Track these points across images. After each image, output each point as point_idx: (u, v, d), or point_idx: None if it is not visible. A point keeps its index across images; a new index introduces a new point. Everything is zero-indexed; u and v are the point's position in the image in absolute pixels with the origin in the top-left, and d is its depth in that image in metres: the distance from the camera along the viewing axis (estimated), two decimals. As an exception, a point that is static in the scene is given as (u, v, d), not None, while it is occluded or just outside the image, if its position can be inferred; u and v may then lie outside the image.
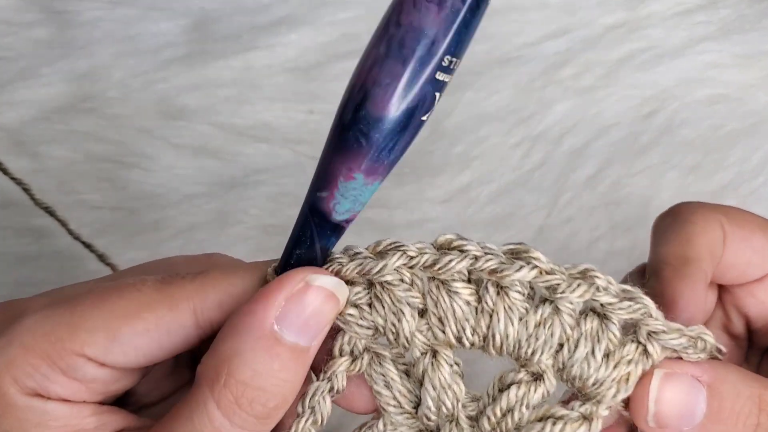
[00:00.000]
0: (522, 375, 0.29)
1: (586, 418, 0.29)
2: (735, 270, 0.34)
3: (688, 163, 0.53)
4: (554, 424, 0.28)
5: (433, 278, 0.29)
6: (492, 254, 0.28)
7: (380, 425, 0.30)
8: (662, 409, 0.29)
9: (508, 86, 0.55)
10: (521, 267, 0.28)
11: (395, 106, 0.26)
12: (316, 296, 0.28)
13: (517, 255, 0.28)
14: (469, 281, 0.29)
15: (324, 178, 0.28)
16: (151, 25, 0.55)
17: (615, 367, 0.29)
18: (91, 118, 0.53)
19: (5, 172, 0.49)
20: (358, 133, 0.27)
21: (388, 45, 0.26)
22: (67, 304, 0.29)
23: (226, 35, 0.55)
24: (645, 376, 0.29)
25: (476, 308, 0.29)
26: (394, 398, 0.30)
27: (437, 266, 0.28)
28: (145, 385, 0.33)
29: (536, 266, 0.28)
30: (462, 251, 0.28)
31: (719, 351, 0.30)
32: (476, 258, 0.28)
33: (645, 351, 0.29)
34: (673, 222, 0.34)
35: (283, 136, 0.53)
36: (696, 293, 0.32)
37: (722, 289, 0.36)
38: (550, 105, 0.55)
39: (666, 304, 0.31)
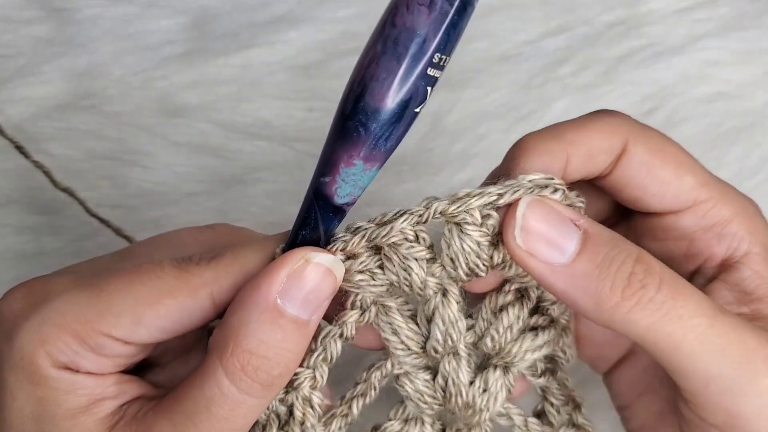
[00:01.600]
0: (509, 297, 0.34)
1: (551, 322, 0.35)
2: (629, 192, 0.35)
3: (688, 160, 0.53)
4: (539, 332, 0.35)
5: (447, 222, 0.32)
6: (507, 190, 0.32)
7: (388, 365, 0.34)
8: (529, 224, 0.31)
9: (507, 83, 0.55)
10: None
11: (391, 99, 0.29)
12: (315, 273, 0.31)
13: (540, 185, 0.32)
14: (481, 225, 0.32)
15: (327, 164, 0.31)
16: (150, 22, 0.55)
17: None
18: (90, 115, 0.53)
19: (26, 155, 0.50)
20: (358, 123, 0.30)
21: (384, 43, 0.29)
22: (93, 288, 0.32)
23: (226, 33, 0.55)
24: (511, 207, 0.32)
25: (489, 242, 0.32)
26: (402, 342, 0.33)
27: (452, 208, 0.32)
28: (157, 352, 0.36)
29: (558, 188, 0.32)
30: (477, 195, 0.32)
31: (581, 202, 0.33)
32: (499, 195, 0.32)
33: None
34: (576, 118, 0.35)
35: (283, 134, 0.53)
36: (544, 164, 0.33)
37: (631, 221, 0.37)
38: (549, 102, 0.55)
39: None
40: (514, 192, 0.31)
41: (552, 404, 0.37)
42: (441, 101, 0.54)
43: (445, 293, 0.33)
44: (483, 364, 0.35)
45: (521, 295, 0.35)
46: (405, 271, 0.32)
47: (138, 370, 0.35)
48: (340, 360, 0.34)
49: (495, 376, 0.34)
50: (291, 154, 0.53)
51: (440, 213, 0.32)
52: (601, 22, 0.56)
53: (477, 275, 0.33)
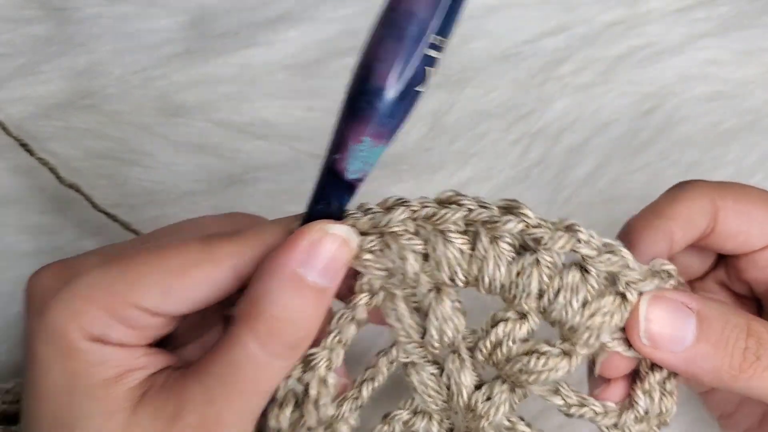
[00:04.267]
0: (509, 314, 0.34)
1: (567, 354, 0.34)
2: (733, 240, 0.38)
3: (687, 159, 0.53)
4: (538, 357, 0.34)
5: (433, 227, 0.34)
6: (486, 207, 0.33)
7: (394, 352, 0.35)
8: (651, 327, 0.34)
9: (507, 83, 0.55)
10: (510, 220, 0.33)
11: (394, 78, 0.32)
12: (332, 242, 0.33)
13: (509, 210, 0.33)
14: (465, 232, 0.33)
15: (337, 143, 0.34)
16: (149, 21, 0.55)
17: (591, 316, 0.33)
18: (90, 114, 0.53)
19: (31, 152, 0.50)
20: (364, 103, 0.32)
21: (386, 26, 0.32)
22: (121, 262, 0.34)
23: (225, 32, 0.55)
24: (634, 307, 0.34)
25: (470, 254, 0.33)
26: (404, 330, 0.35)
27: (435, 217, 0.33)
28: (178, 331, 0.37)
29: (524, 220, 0.33)
30: (459, 205, 0.33)
31: (680, 282, 0.36)
32: (470, 210, 0.33)
33: (624, 299, 0.34)
34: (663, 194, 0.39)
35: (282, 133, 0.53)
36: (656, 242, 0.37)
37: (728, 260, 0.40)
38: (549, 102, 0.55)
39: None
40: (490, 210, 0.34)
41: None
42: (440, 100, 0.55)
43: (438, 291, 0.34)
44: (499, 374, 0.36)
45: (521, 317, 0.34)
46: (401, 259, 0.34)
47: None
48: (358, 345, 0.35)
49: (500, 389, 0.35)
50: (290, 153, 0.53)
51: (425, 218, 0.33)
52: (600, 21, 0.56)
53: (456, 284, 0.34)
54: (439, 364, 0.36)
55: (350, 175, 0.34)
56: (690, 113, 0.54)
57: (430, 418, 0.37)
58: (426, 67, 0.32)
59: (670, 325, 0.34)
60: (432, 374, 0.36)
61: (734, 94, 0.55)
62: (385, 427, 0.37)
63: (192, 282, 0.33)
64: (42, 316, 0.34)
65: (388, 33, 0.32)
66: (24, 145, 0.50)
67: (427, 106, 0.54)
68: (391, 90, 0.32)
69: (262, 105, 0.54)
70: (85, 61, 0.54)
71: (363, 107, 0.33)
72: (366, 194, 0.52)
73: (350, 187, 0.35)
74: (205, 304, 0.34)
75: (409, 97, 0.33)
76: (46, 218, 0.52)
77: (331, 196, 0.35)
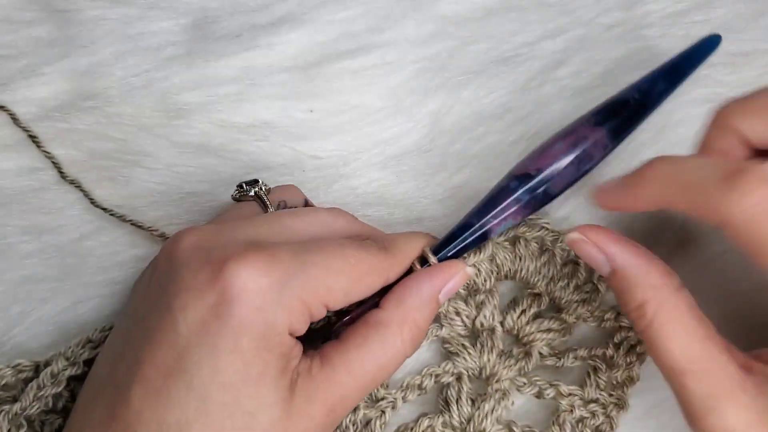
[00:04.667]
0: (526, 294, 0.49)
1: (561, 322, 0.48)
2: None
3: (684, 161, 0.53)
4: (545, 322, 0.48)
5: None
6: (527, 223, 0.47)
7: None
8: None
9: (506, 85, 0.55)
10: (536, 227, 0.48)
11: (560, 188, 0.45)
12: (461, 279, 0.44)
13: (534, 221, 0.48)
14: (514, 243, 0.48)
15: (498, 214, 0.45)
16: (151, 23, 0.55)
17: (580, 296, 0.48)
18: (92, 116, 0.53)
19: (38, 144, 0.51)
20: (538, 201, 0.45)
21: (573, 161, 0.45)
22: (316, 266, 0.39)
23: (227, 34, 0.55)
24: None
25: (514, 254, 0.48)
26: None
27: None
28: None
29: (544, 227, 0.47)
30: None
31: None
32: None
33: (598, 282, 0.48)
34: None
35: (284, 135, 0.54)
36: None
37: None
38: (547, 104, 0.55)
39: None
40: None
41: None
42: (439, 102, 0.55)
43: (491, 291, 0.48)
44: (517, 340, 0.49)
45: (536, 296, 0.50)
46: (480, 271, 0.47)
47: None
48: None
49: (517, 351, 0.49)
50: (291, 154, 0.53)
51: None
52: (598, 24, 0.56)
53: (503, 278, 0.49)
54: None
55: (493, 235, 0.45)
56: (686, 115, 0.54)
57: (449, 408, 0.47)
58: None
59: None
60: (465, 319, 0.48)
61: (731, 96, 0.56)
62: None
63: (364, 288, 0.41)
64: (263, 312, 0.37)
65: (571, 165, 0.44)
66: (32, 137, 0.50)
67: (427, 107, 0.55)
68: (559, 194, 0.45)
69: (264, 106, 0.54)
70: (87, 62, 0.55)
71: (535, 203, 0.44)
72: (365, 194, 0.53)
73: (485, 240, 0.45)
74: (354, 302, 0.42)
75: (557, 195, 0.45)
76: (48, 218, 0.52)
77: (471, 246, 0.45)
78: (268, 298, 0.37)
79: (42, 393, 0.44)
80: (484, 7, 0.56)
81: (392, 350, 0.40)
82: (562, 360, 0.48)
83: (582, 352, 0.48)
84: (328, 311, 0.40)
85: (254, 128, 0.53)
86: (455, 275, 0.43)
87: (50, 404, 0.44)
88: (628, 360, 0.47)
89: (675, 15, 0.57)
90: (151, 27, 0.55)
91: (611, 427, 0.47)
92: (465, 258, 0.45)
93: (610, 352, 0.48)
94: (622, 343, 0.47)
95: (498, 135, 0.54)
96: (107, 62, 0.54)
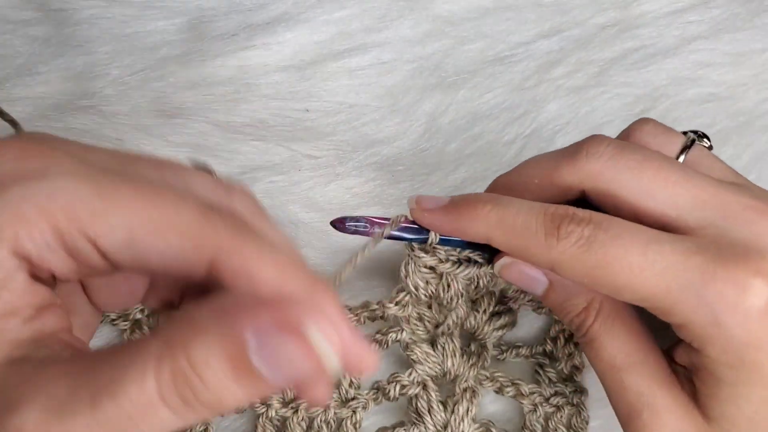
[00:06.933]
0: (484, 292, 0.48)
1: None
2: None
3: (680, 160, 0.54)
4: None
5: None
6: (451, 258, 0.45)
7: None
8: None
9: (501, 85, 0.55)
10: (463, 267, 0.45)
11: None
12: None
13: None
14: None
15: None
16: (147, 23, 0.55)
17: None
18: (88, 115, 0.53)
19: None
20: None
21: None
22: (98, 185, 0.28)
23: (223, 34, 0.55)
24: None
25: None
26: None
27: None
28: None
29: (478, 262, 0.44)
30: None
31: None
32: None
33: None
34: None
35: (279, 134, 0.54)
36: None
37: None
38: (542, 103, 0.55)
39: None
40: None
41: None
42: (435, 102, 0.55)
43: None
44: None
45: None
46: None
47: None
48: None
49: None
50: (287, 154, 0.53)
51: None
52: (594, 24, 0.57)
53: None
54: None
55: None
56: (683, 115, 0.55)
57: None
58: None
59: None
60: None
61: (727, 96, 0.56)
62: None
63: (164, 247, 0.28)
64: None
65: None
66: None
67: (423, 107, 0.55)
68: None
69: (260, 106, 0.54)
70: (83, 62, 0.55)
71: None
72: (362, 193, 0.53)
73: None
74: (157, 274, 0.31)
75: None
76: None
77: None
78: (5, 191, 0.27)
79: None
80: (479, 7, 0.56)
81: (137, 383, 0.25)
82: (505, 354, 0.49)
83: (524, 351, 0.50)
84: (105, 256, 0.28)
85: (250, 128, 0.54)
86: (287, 333, 0.25)
87: None
88: (567, 351, 0.49)
89: (670, 15, 0.57)
90: (146, 26, 0.55)
91: (580, 413, 0.48)
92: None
93: (548, 347, 0.49)
94: (557, 337, 0.49)
95: (494, 134, 0.54)
96: (103, 62, 0.54)
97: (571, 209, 0.38)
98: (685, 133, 0.44)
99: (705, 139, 0.43)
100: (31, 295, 0.28)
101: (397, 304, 0.46)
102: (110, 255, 0.28)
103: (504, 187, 0.43)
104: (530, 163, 0.42)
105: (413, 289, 0.45)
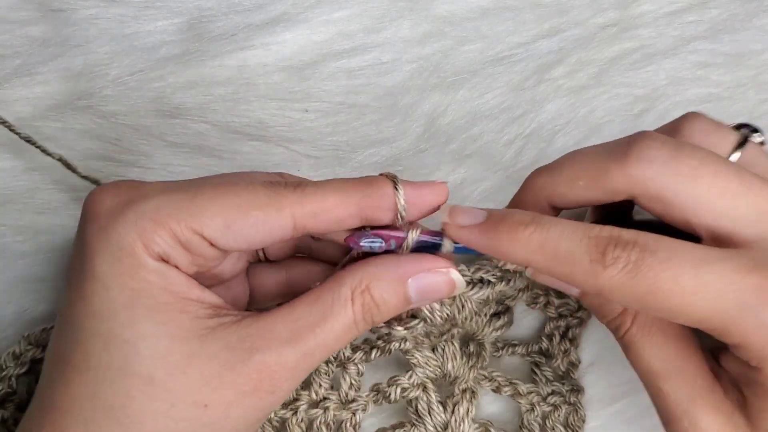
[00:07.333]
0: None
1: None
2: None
3: (679, 161, 0.54)
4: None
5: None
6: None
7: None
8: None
9: (500, 85, 0.55)
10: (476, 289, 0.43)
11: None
12: (446, 284, 0.40)
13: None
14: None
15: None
16: (146, 23, 0.55)
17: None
18: (87, 116, 0.53)
19: (47, 152, 0.50)
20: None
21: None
22: (187, 192, 0.36)
23: (222, 34, 0.55)
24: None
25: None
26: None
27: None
28: (213, 271, 0.40)
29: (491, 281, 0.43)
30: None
31: None
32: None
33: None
34: None
35: (279, 134, 0.54)
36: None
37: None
38: (542, 103, 0.55)
39: None
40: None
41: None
42: (435, 102, 0.55)
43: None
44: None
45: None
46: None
47: None
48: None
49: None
50: (286, 154, 0.53)
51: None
52: (593, 24, 0.57)
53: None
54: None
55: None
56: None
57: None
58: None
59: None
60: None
61: (725, 97, 0.56)
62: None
63: (253, 221, 0.36)
64: (106, 234, 0.35)
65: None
66: (30, 142, 0.50)
67: (422, 107, 0.55)
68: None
69: (259, 106, 0.54)
70: (81, 62, 0.54)
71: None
72: (361, 195, 0.53)
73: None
74: (259, 245, 0.37)
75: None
76: (43, 218, 0.52)
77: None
78: (112, 218, 0.35)
79: (5, 374, 0.45)
80: (479, 8, 0.57)
81: (341, 315, 0.37)
82: (501, 352, 0.50)
83: (520, 349, 0.50)
84: (213, 244, 0.36)
85: (249, 128, 0.53)
86: (435, 272, 0.39)
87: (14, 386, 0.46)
88: (563, 348, 0.49)
89: (670, 15, 0.57)
90: (146, 27, 0.55)
91: (577, 412, 0.48)
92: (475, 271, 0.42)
93: (544, 345, 0.49)
94: (553, 334, 0.49)
95: (493, 135, 0.54)
96: (102, 62, 0.54)
97: (616, 231, 0.36)
98: (736, 127, 0.41)
99: (757, 133, 0.41)
100: (189, 284, 0.36)
101: (406, 328, 0.44)
102: (216, 241, 0.36)
103: (546, 187, 0.41)
104: (575, 160, 0.40)
105: (428, 314, 0.43)
